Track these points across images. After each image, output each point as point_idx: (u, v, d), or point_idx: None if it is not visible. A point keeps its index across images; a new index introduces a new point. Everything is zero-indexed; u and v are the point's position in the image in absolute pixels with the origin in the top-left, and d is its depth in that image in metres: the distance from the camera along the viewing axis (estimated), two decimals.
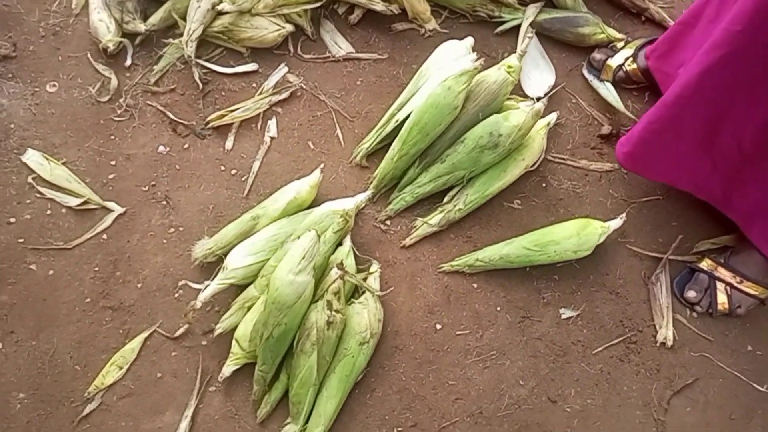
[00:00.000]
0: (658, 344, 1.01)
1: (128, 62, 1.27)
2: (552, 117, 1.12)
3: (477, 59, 1.06)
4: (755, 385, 0.99)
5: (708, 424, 0.97)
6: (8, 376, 1.00)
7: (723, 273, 1.01)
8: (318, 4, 1.25)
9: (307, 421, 0.95)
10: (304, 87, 1.23)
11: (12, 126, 1.21)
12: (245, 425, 0.98)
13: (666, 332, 1.00)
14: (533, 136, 1.08)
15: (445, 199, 1.09)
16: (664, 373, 1.00)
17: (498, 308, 1.04)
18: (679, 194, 1.10)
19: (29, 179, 1.14)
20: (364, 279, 1.01)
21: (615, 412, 0.97)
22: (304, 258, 0.91)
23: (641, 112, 1.18)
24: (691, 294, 1.02)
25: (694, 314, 1.04)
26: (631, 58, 1.17)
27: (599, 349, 1.01)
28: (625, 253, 1.08)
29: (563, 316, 1.03)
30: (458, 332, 1.02)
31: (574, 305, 1.04)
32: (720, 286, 1.01)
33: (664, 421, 0.96)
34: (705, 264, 1.03)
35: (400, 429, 0.96)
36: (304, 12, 1.27)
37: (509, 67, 1.04)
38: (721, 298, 1.01)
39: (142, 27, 1.26)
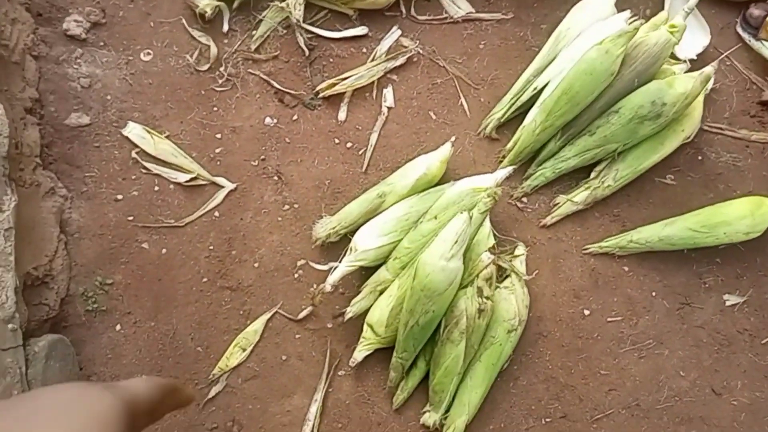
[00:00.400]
0: None
1: (225, 27, 1.22)
2: (709, 81, 1.05)
3: (631, 17, 0.98)
4: None
5: None
6: (129, 358, 1.01)
7: None
8: None
9: (448, 410, 0.93)
10: (421, 52, 1.17)
11: (109, 97, 1.18)
12: (379, 411, 0.96)
13: None
14: (694, 104, 1.01)
15: (592, 175, 1.04)
16: None
17: (653, 294, 0.99)
18: None
19: (133, 154, 1.12)
20: (510, 261, 0.97)
21: None
22: (456, 242, 0.88)
23: None
24: None
25: None
26: None
27: None
28: None
29: (728, 303, 0.98)
30: (609, 319, 0.98)
31: (740, 291, 0.98)
32: None
33: None
34: None
35: (548, 420, 0.94)
36: None
37: (672, 26, 0.96)
38: None
39: None
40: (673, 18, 1.02)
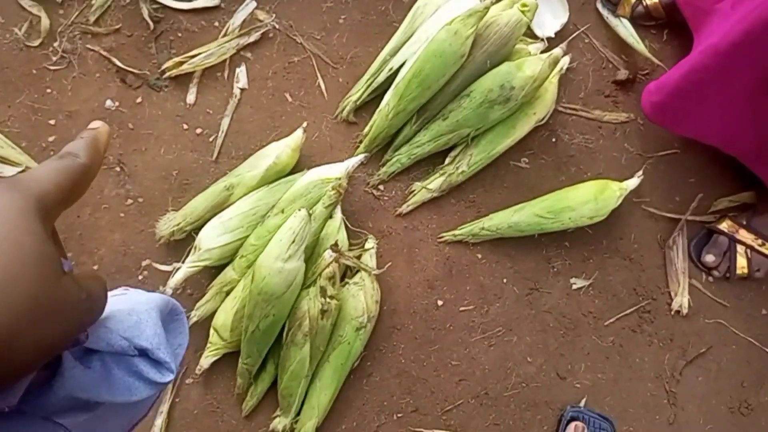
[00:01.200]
0: (672, 313, 0.97)
1: None
2: (564, 61, 1.01)
3: None
4: None
5: (719, 393, 0.96)
6: None
7: (744, 235, 0.97)
8: None
9: (298, 413, 0.89)
10: (277, 27, 1.07)
11: None
12: (229, 419, 0.92)
13: (681, 300, 0.97)
14: (546, 85, 0.97)
15: (447, 161, 0.99)
16: (678, 342, 0.97)
17: (504, 280, 0.97)
18: (698, 148, 1.03)
19: None
20: (359, 256, 0.92)
21: (626, 385, 0.95)
22: (294, 242, 0.81)
23: (659, 53, 1.08)
24: (709, 258, 0.98)
25: (710, 279, 1.00)
26: None
27: (611, 320, 0.97)
28: (640, 215, 1.02)
29: (574, 287, 0.97)
30: (462, 308, 0.96)
31: (586, 274, 0.98)
32: (740, 248, 0.97)
33: (675, 392, 0.95)
34: (725, 225, 0.98)
35: (400, 415, 0.92)
36: None
37: (524, 5, 0.90)
38: (741, 262, 0.97)
39: None
40: None
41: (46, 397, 0.28)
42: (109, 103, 1.03)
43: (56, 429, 0.29)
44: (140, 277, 0.97)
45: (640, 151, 1.04)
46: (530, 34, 1.05)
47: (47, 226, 0.25)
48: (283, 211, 0.91)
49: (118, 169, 1.01)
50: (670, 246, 0.99)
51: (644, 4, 1.05)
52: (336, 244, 0.86)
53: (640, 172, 0.96)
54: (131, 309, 0.33)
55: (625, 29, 1.07)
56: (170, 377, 0.33)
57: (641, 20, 1.08)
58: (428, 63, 0.91)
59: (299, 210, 0.84)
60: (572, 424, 0.90)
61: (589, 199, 0.93)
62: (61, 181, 0.26)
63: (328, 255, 0.86)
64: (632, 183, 0.95)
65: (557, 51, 0.92)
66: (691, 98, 0.84)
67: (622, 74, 1.05)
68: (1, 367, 0.22)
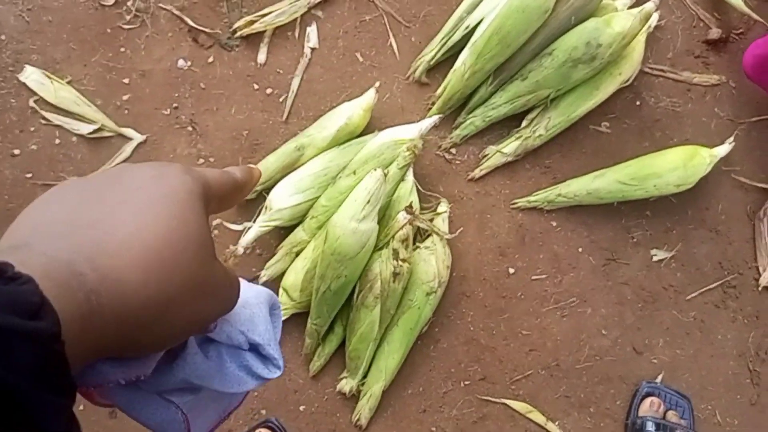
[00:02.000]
0: (760, 289, 0.91)
1: None
2: (653, 18, 0.93)
3: None
4: None
5: None
6: None
7: None
8: None
9: (365, 376, 0.88)
10: None
11: (3, 37, 1.03)
12: (296, 378, 0.91)
13: None
14: (633, 44, 0.90)
15: (523, 123, 0.94)
16: (764, 320, 0.91)
17: (580, 249, 0.93)
18: None
19: (31, 102, 0.99)
20: (431, 220, 0.89)
21: (706, 363, 0.90)
22: (369, 203, 0.79)
23: (757, 10, 0.98)
24: None
25: None
26: None
27: (693, 294, 0.91)
28: (729, 184, 0.94)
29: (655, 258, 0.92)
30: (534, 277, 0.92)
31: (668, 245, 0.92)
32: None
33: (759, 372, 0.89)
34: None
35: (467, 383, 0.90)
36: None
37: None
38: None
39: None
40: None
41: (165, 377, 0.29)
42: (181, 63, 1.02)
43: (169, 406, 0.30)
44: (213, 236, 0.97)
45: (732, 117, 0.96)
46: None
47: (207, 214, 0.26)
48: (354, 173, 0.89)
49: (190, 128, 1.00)
50: (761, 218, 0.92)
51: None
52: (410, 206, 0.83)
53: (731, 139, 0.89)
54: (245, 302, 0.34)
55: None
56: (277, 374, 0.34)
57: None
58: (510, 19, 0.86)
59: (375, 170, 0.81)
60: (647, 400, 0.86)
61: (677, 165, 0.86)
62: (222, 183, 0.28)
63: (402, 217, 0.83)
64: (723, 150, 0.88)
65: (649, 5, 0.85)
66: None
67: (715, 33, 0.96)
68: (154, 335, 0.24)
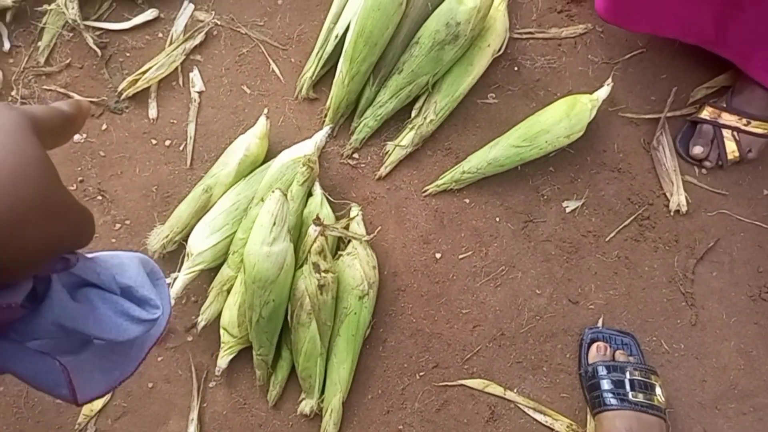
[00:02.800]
0: (672, 213, 0.93)
1: (7, 46, 1.06)
2: None
3: None
4: None
5: (736, 284, 0.92)
6: None
7: (727, 118, 0.92)
8: None
9: (322, 392, 0.88)
10: (219, 23, 1.04)
11: None
12: (258, 412, 0.91)
13: (678, 198, 0.93)
14: (493, 14, 0.93)
15: (413, 113, 0.96)
16: (684, 242, 0.93)
17: (497, 219, 0.94)
18: (663, 43, 0.98)
19: None
20: (347, 226, 0.90)
21: (640, 296, 0.91)
22: (275, 224, 0.80)
23: None
24: (697, 149, 0.93)
25: (704, 171, 0.96)
26: None
27: (612, 234, 0.93)
28: (619, 123, 0.97)
29: (568, 210, 0.94)
30: (461, 256, 0.93)
31: (577, 195, 0.94)
32: (726, 133, 0.92)
33: (692, 292, 0.91)
34: (706, 113, 0.93)
35: (422, 374, 0.90)
36: None
37: None
38: (730, 146, 0.92)
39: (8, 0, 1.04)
40: None
41: (35, 321, 0.29)
42: (77, 137, 1.02)
43: (45, 357, 0.30)
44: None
45: (606, 59, 0.99)
46: None
47: (43, 145, 0.27)
48: (262, 200, 0.89)
49: (100, 198, 1.00)
50: (656, 147, 0.95)
51: None
52: (318, 218, 0.84)
53: (609, 80, 0.92)
54: (114, 254, 0.35)
55: None
56: (157, 313, 0.34)
57: None
58: (369, 19, 0.88)
59: (272, 192, 0.82)
60: (593, 346, 0.87)
61: (561, 117, 0.89)
62: (50, 116, 0.29)
63: (312, 230, 0.83)
64: (602, 92, 0.91)
65: None
66: None
67: None
68: (12, 254, 0.25)
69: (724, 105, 0.92)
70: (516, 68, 0.99)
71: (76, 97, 0.27)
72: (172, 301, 0.89)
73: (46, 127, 0.29)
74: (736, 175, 0.95)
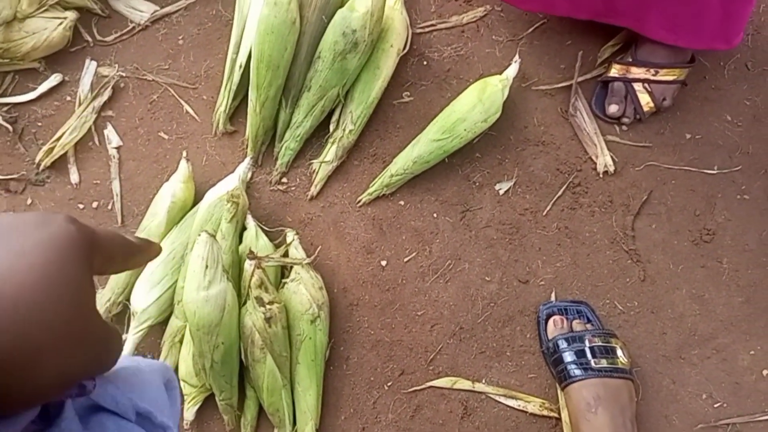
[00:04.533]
0: (601, 175, 0.94)
1: None
2: None
3: None
4: (706, 171, 0.94)
5: (677, 231, 0.93)
6: None
7: (636, 71, 0.93)
8: None
9: (295, 423, 0.87)
10: (124, 74, 1.03)
11: None
12: None
13: (604, 159, 0.93)
14: (389, 14, 0.93)
15: (331, 127, 0.96)
16: (618, 200, 0.94)
17: (435, 215, 0.94)
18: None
19: None
20: (285, 253, 0.89)
21: (586, 263, 0.92)
22: (207, 267, 0.78)
23: None
24: (613, 108, 0.94)
25: (624, 127, 0.96)
26: None
27: (548, 207, 0.93)
28: (534, 96, 0.98)
29: (501, 192, 0.94)
30: (406, 259, 0.93)
31: (507, 175, 0.95)
32: (638, 86, 0.93)
33: (635, 249, 0.92)
34: (615, 70, 0.94)
35: (390, 384, 0.89)
36: None
37: None
38: (644, 99, 0.93)
39: None
40: None
41: None
42: None
43: None
44: None
45: (510, 37, 1.00)
46: None
47: (91, 268, 0.26)
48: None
49: None
50: (573, 113, 0.95)
51: None
52: (251, 252, 0.83)
53: (516, 57, 0.93)
54: (136, 368, 0.33)
55: None
56: None
57: None
58: (265, 44, 0.87)
59: (199, 235, 0.81)
60: (550, 321, 0.87)
61: (474, 103, 0.89)
62: (111, 240, 0.28)
63: (247, 265, 0.82)
64: (511, 71, 0.92)
65: None
66: None
67: None
68: (23, 384, 0.23)
69: (630, 60, 0.93)
70: (425, 62, 0.99)
71: (143, 235, 0.27)
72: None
73: (104, 249, 0.27)
74: (656, 125, 0.96)
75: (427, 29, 1.00)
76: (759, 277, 0.91)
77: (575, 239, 0.92)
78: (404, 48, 0.95)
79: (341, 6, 0.91)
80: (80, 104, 1.03)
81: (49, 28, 1.01)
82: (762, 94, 0.99)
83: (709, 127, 0.96)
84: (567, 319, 0.87)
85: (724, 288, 0.91)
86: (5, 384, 0.22)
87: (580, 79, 0.97)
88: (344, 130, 0.94)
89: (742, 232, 0.92)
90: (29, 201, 1.01)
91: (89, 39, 1.05)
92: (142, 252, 0.31)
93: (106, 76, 1.03)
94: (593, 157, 0.94)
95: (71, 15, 1.02)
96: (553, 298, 0.90)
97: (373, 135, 0.97)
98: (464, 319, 0.90)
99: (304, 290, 0.87)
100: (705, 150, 0.95)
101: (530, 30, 1.00)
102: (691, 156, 0.95)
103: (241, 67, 0.95)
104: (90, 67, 1.04)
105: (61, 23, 1.01)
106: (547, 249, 0.92)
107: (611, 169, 0.93)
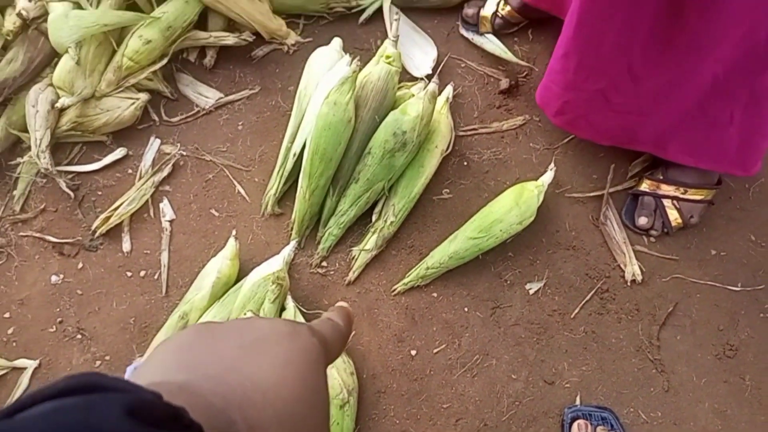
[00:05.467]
0: (629, 283, 0.99)
1: None
2: (448, 91, 1.06)
3: (351, 60, 0.98)
4: (730, 287, 0.99)
5: (700, 345, 0.96)
6: None
7: (666, 189, 0.99)
8: (165, 62, 1.13)
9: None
10: (185, 153, 1.12)
11: None
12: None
13: (632, 269, 0.98)
14: (437, 118, 1.02)
15: (374, 218, 1.03)
16: (645, 310, 0.98)
17: (466, 309, 0.99)
18: None
19: None
20: None
21: (612, 369, 0.95)
22: None
23: (530, 53, 1.14)
24: (642, 220, 1.00)
25: (652, 239, 1.02)
26: (503, 1, 1.12)
27: (576, 311, 0.98)
28: (567, 203, 1.04)
29: (531, 291, 0.99)
30: (435, 350, 0.97)
31: (538, 276, 1.00)
32: (667, 202, 0.99)
33: (660, 358, 0.95)
34: (645, 185, 1.01)
35: None
36: (153, 74, 1.15)
37: (387, 57, 0.96)
38: (673, 214, 0.99)
39: None
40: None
41: None
42: (54, 278, 1.06)
43: None
44: None
45: (547, 146, 1.08)
46: (410, 77, 1.11)
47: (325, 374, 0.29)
48: None
49: (79, 336, 1.03)
50: (603, 222, 1.01)
51: (500, 15, 1.12)
52: None
53: (552, 165, 1.00)
54: None
55: (492, 43, 1.13)
56: None
57: (503, 30, 1.14)
58: (321, 138, 0.96)
59: (245, 314, 0.86)
60: (575, 425, 0.89)
61: (511, 206, 0.96)
62: (335, 340, 0.31)
63: None
64: (547, 177, 0.99)
65: (431, 86, 0.97)
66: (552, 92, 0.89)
67: (504, 83, 1.10)
68: None
69: (661, 177, 1.00)
70: (465, 163, 1.07)
71: (341, 303, 0.30)
72: None
73: (332, 354, 0.30)
74: (683, 239, 1.02)
75: (469, 132, 1.09)
76: None
77: (601, 344, 0.96)
78: (447, 149, 1.03)
79: (394, 108, 1.00)
80: (140, 178, 1.12)
81: (122, 107, 1.12)
82: None
83: (733, 245, 1.01)
84: (591, 424, 0.89)
85: (746, 405, 0.92)
86: None
87: (612, 189, 1.03)
88: (386, 221, 1.01)
89: (765, 350, 0.95)
90: (80, 265, 1.07)
91: (156, 118, 1.16)
92: (349, 331, 0.34)
93: (168, 154, 1.13)
94: (622, 265, 0.99)
95: (144, 96, 1.12)
96: (578, 401, 0.92)
97: (411, 227, 1.04)
98: (489, 416, 0.93)
99: (336, 375, 0.91)
100: (729, 267, 1.00)
101: (565, 140, 1.08)
102: (716, 272, 0.99)
103: (294, 155, 1.03)
104: (154, 144, 1.14)
105: (133, 103, 1.12)
106: (574, 351, 0.96)
107: (639, 278, 0.98)
